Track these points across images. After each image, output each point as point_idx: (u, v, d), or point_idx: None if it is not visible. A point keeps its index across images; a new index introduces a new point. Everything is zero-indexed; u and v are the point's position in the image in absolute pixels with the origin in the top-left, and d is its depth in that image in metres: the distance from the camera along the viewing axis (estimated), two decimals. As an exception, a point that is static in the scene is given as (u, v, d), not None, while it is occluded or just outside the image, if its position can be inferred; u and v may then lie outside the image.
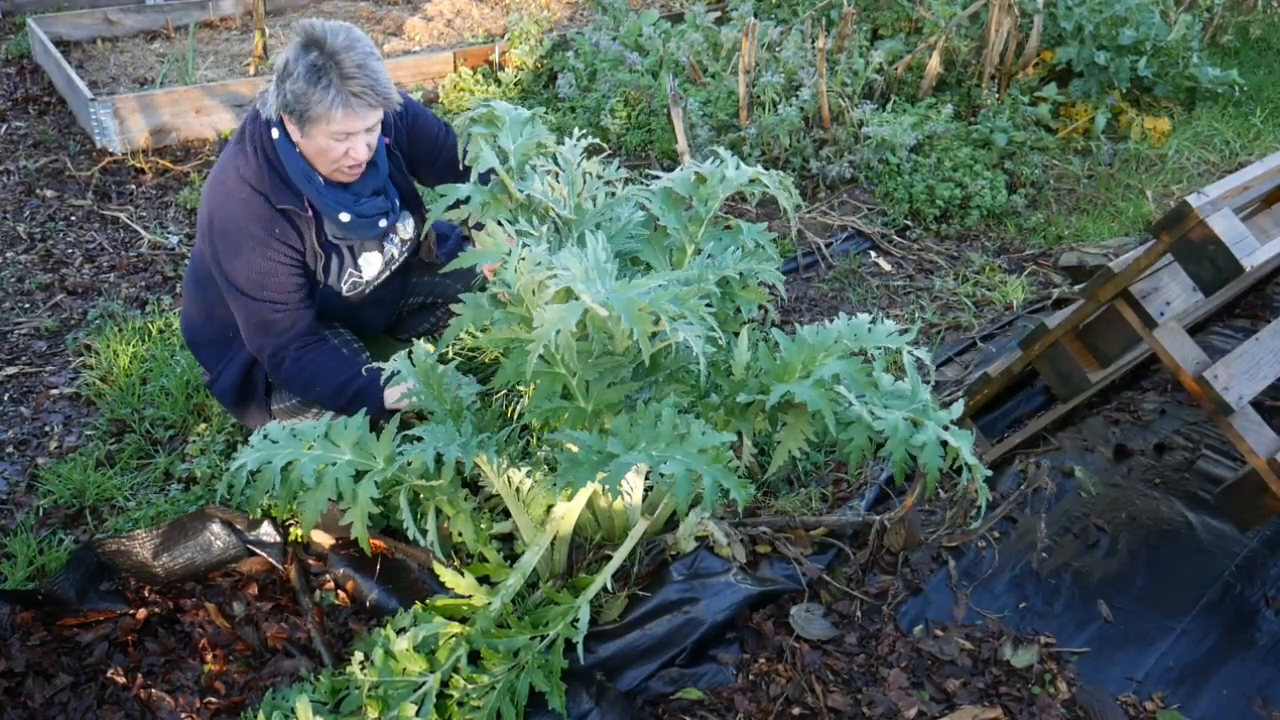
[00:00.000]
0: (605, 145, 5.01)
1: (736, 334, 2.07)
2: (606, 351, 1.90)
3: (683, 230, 2.21)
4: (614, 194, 2.27)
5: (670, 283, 1.86)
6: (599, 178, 2.26)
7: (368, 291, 2.56)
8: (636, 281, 1.75)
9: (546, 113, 5.30)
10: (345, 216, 2.35)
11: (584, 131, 2.28)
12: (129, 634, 2.26)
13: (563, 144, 2.29)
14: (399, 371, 2.09)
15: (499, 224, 2.09)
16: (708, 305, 1.89)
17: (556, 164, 2.25)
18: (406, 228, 2.58)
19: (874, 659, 2.23)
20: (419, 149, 2.56)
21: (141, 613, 2.31)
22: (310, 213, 2.34)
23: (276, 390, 2.60)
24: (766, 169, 2.24)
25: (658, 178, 2.25)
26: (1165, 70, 5.15)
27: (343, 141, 2.21)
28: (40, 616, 2.25)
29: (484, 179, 2.26)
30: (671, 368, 2.06)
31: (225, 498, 1.94)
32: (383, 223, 2.44)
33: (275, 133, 2.28)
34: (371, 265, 2.52)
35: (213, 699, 2.14)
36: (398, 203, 2.51)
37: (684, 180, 2.22)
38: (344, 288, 2.48)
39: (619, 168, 2.31)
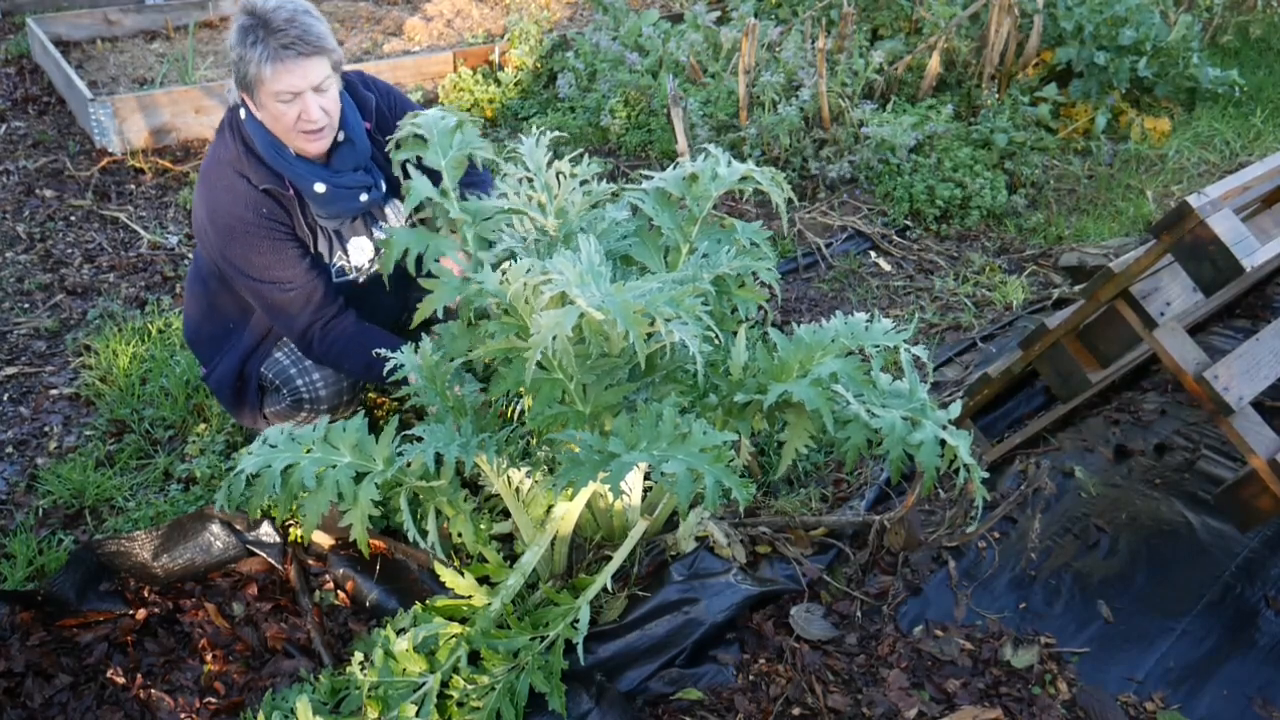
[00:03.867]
0: (590, 145, 5.02)
1: (734, 333, 2.07)
2: (603, 354, 1.90)
3: (677, 230, 2.20)
4: (589, 191, 2.24)
5: (666, 283, 1.85)
6: (572, 176, 2.23)
7: (360, 281, 2.55)
8: (631, 283, 1.75)
9: (546, 113, 5.30)
10: (320, 187, 2.33)
11: (543, 128, 2.25)
12: (128, 634, 2.26)
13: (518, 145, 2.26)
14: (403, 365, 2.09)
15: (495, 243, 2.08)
16: (704, 304, 1.89)
17: (525, 166, 2.23)
18: (398, 215, 2.56)
19: (874, 659, 2.23)
20: None
21: (141, 613, 2.31)
22: (292, 192, 2.35)
23: (269, 392, 2.60)
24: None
25: (650, 177, 2.24)
26: (1165, 70, 5.15)
27: (290, 103, 2.19)
28: (40, 617, 2.25)
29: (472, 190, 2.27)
30: (668, 368, 2.06)
31: (225, 506, 1.93)
32: (363, 197, 2.41)
33: (243, 113, 2.30)
34: (361, 251, 2.50)
35: (212, 699, 2.14)
36: (383, 184, 2.49)
37: (676, 179, 2.21)
38: (333, 272, 2.47)
39: (590, 161, 2.28)
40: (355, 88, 2.47)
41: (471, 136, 2.12)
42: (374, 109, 2.48)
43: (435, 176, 2.17)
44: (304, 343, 2.42)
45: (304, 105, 2.20)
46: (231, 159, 2.31)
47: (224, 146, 2.33)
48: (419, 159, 2.13)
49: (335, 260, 2.46)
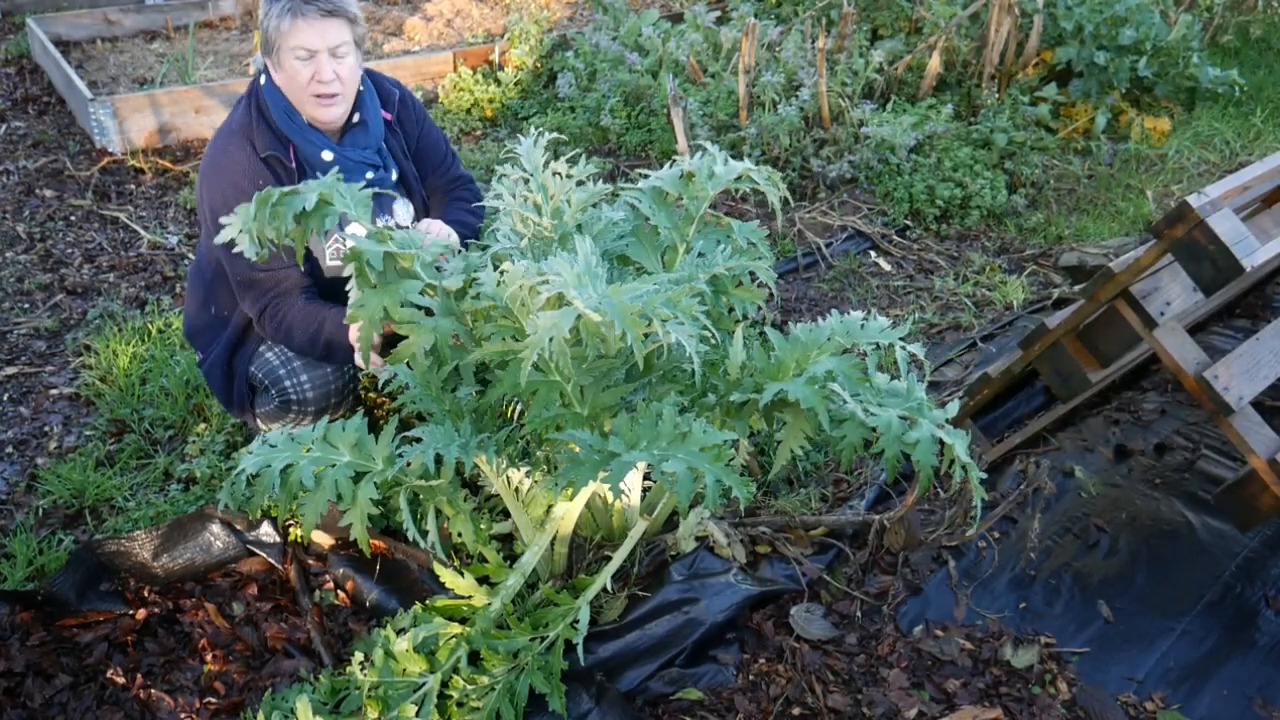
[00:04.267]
0: (590, 145, 5.01)
1: (731, 333, 2.07)
2: (600, 355, 1.90)
3: (674, 229, 2.20)
4: (587, 191, 2.24)
5: (662, 284, 1.85)
6: (569, 176, 2.24)
7: None
8: (628, 285, 1.74)
9: (546, 113, 5.30)
10: (328, 155, 2.36)
11: (542, 129, 2.24)
12: (128, 634, 2.26)
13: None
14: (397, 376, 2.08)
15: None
16: (700, 305, 1.88)
17: (521, 167, 2.23)
18: (405, 212, 2.57)
19: (874, 659, 2.23)
20: (424, 152, 2.61)
21: (141, 613, 2.31)
22: (295, 164, 2.37)
23: (259, 393, 2.60)
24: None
25: (648, 176, 2.24)
26: (1165, 70, 5.15)
27: (306, 62, 2.26)
28: (40, 617, 2.25)
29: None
30: (665, 368, 2.06)
31: (227, 505, 1.94)
32: (369, 174, 2.45)
33: (264, 79, 2.37)
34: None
35: (212, 699, 2.14)
36: (394, 173, 2.52)
37: (673, 178, 2.21)
38: (328, 254, 2.46)
39: (588, 160, 2.28)
40: (381, 81, 2.54)
41: (333, 182, 1.93)
42: (396, 102, 2.55)
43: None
44: (259, 324, 2.42)
45: (318, 66, 2.27)
46: (243, 124, 2.36)
47: (238, 112, 2.39)
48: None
49: (332, 241, 2.45)
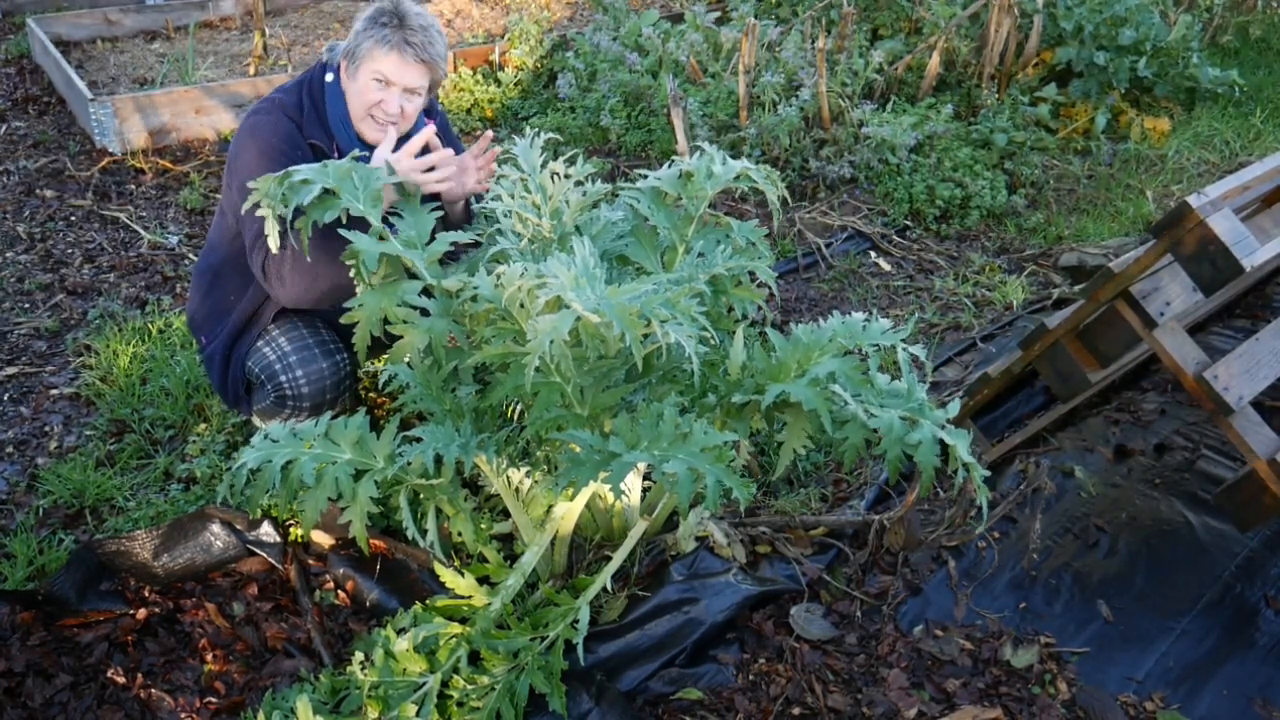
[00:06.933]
0: (590, 145, 5.01)
1: (731, 333, 2.07)
2: (600, 356, 1.90)
3: (673, 229, 2.21)
4: (585, 191, 2.26)
5: (661, 284, 1.85)
6: (567, 176, 2.25)
7: None
8: (627, 286, 1.74)
9: (546, 113, 5.30)
10: None
11: (541, 129, 2.26)
12: (129, 634, 2.26)
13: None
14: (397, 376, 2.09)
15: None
16: (699, 305, 1.88)
17: (519, 168, 2.24)
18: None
19: (874, 659, 2.23)
20: None
21: (141, 613, 2.31)
22: (336, 155, 2.41)
23: (256, 389, 2.60)
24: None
25: (645, 176, 2.24)
26: (1165, 70, 5.15)
27: (380, 89, 2.35)
28: (40, 616, 2.25)
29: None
30: (665, 368, 2.06)
31: (226, 499, 1.94)
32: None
33: (329, 76, 2.44)
34: None
35: (213, 699, 2.14)
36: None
37: (672, 178, 2.22)
38: None
39: (587, 160, 2.30)
40: (432, 101, 2.62)
41: (345, 163, 1.96)
42: (436, 117, 2.62)
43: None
44: (263, 276, 2.34)
45: (387, 95, 2.36)
46: (291, 105, 2.43)
47: (289, 94, 2.45)
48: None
49: None
